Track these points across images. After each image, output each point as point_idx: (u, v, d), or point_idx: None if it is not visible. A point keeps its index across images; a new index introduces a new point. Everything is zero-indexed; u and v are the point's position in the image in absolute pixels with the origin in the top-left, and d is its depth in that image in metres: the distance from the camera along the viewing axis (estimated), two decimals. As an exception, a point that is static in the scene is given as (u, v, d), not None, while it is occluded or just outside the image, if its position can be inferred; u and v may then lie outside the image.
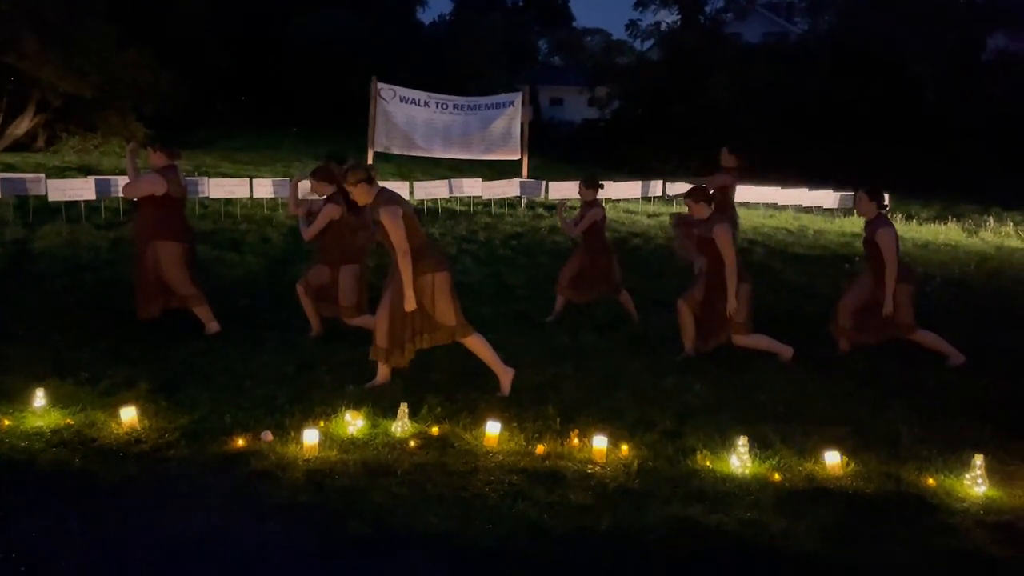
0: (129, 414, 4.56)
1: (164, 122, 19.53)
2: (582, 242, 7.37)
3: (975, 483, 4.20)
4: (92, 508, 3.74)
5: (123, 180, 11.58)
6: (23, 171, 12.93)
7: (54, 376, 5.18)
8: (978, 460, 4.25)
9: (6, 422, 4.51)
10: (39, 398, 4.69)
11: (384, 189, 5.23)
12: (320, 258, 6.29)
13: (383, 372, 5.38)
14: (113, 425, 4.54)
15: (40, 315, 6.52)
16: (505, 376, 5.34)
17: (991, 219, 15.91)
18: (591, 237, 7.23)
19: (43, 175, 10.35)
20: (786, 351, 6.18)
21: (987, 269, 11.04)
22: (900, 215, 15.87)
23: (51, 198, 10.05)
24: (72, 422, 4.56)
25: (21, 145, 18.38)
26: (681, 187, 15.45)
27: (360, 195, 5.18)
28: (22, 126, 18.37)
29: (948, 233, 14.23)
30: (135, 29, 18.63)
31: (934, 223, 15.59)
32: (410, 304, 5.04)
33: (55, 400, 4.76)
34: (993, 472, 4.30)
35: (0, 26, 16.08)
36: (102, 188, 10.25)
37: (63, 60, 17.00)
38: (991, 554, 3.64)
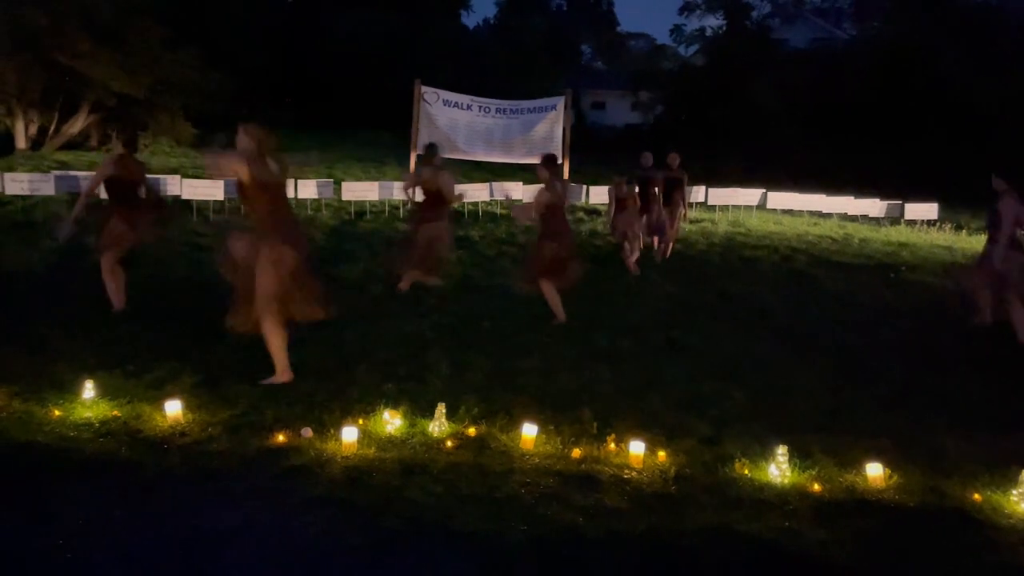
0: (174, 407, 4.67)
1: (210, 122, 19.86)
2: None
3: (1022, 499, 4.11)
4: (136, 497, 3.83)
5: (172, 179, 11.89)
6: (76, 169, 13.32)
7: (103, 368, 5.33)
8: (1026, 476, 4.15)
9: (56, 412, 4.65)
10: (88, 389, 4.83)
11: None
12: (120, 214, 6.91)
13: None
14: (158, 417, 4.65)
15: (90, 309, 6.69)
16: (282, 375, 5.30)
17: (1044, 230, 15.47)
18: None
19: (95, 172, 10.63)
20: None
21: (1039, 281, 10.72)
22: (950, 225, 15.52)
23: (102, 195, 10.29)
24: (119, 414, 4.68)
25: (75, 144, 18.87)
26: (722, 193, 15.33)
27: None
28: (76, 125, 18.87)
29: (999, 243, 13.82)
30: (181, 29, 18.98)
31: (984, 233, 15.18)
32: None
33: (103, 392, 4.89)
34: (1041, 489, 4.19)
35: (55, 25, 16.51)
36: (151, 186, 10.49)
37: (115, 59, 17.41)
38: (1038, 572, 3.56)
